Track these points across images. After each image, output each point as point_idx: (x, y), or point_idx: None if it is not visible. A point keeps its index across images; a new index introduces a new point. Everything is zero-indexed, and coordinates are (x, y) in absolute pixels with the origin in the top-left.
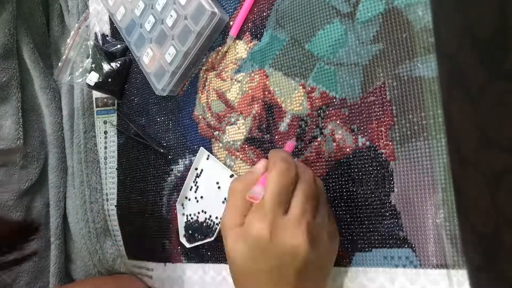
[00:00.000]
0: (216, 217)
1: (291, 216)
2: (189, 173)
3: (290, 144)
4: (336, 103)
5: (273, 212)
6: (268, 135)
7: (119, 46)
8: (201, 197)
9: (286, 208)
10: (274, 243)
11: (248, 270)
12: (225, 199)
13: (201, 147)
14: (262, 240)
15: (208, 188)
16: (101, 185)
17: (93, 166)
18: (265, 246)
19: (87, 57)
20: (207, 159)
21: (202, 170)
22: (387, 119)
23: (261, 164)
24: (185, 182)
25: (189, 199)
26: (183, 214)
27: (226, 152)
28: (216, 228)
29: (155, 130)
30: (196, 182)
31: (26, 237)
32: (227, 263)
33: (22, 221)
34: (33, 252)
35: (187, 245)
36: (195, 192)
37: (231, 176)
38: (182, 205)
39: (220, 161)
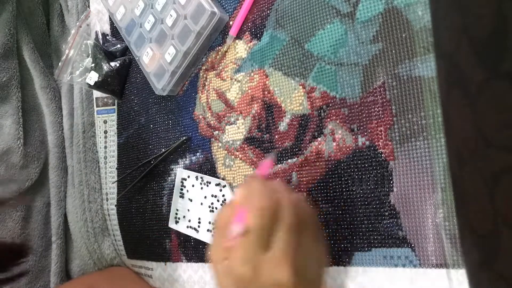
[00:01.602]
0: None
1: (273, 253)
2: (173, 197)
3: (267, 163)
4: (336, 102)
5: (255, 252)
6: (268, 135)
7: (119, 45)
8: (188, 210)
9: (267, 245)
10: (259, 282)
11: None
12: (212, 205)
13: (179, 169)
14: (246, 280)
15: (195, 205)
16: (100, 185)
17: (92, 166)
18: (250, 285)
19: (87, 57)
20: (188, 177)
21: (185, 191)
22: (387, 118)
23: (237, 196)
24: (171, 206)
25: (179, 219)
26: (187, 227)
27: (226, 151)
28: None
29: (155, 130)
30: (183, 197)
31: (15, 259)
32: None
33: (12, 243)
34: (23, 273)
35: None
36: (184, 210)
37: (217, 184)
38: (176, 223)
39: (218, 161)
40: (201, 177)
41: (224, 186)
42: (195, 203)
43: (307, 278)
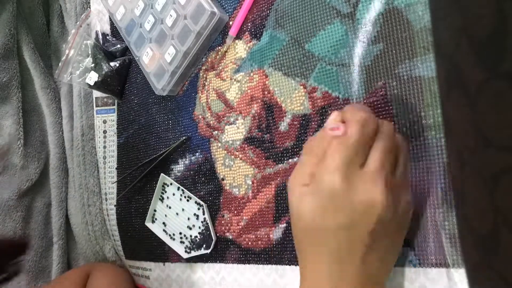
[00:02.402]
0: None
1: (369, 169)
2: (153, 197)
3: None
4: (339, 103)
5: (349, 163)
6: (268, 135)
7: (119, 46)
8: (165, 216)
9: (363, 162)
10: (348, 197)
11: (316, 227)
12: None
13: (162, 174)
14: (334, 193)
15: (172, 213)
16: (99, 188)
17: (91, 169)
18: (337, 200)
19: (87, 57)
20: (171, 184)
21: (165, 196)
22: (387, 118)
23: (333, 116)
24: (151, 205)
25: (156, 219)
26: (163, 231)
27: (225, 151)
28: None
29: (155, 130)
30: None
31: (15, 256)
32: (226, 263)
33: (11, 240)
34: (15, 272)
35: (185, 256)
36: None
37: (197, 203)
38: (153, 222)
39: (218, 161)
40: (183, 190)
41: (201, 206)
42: (172, 212)
43: (398, 213)
